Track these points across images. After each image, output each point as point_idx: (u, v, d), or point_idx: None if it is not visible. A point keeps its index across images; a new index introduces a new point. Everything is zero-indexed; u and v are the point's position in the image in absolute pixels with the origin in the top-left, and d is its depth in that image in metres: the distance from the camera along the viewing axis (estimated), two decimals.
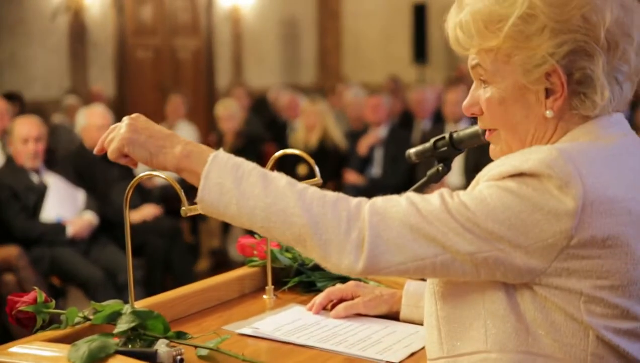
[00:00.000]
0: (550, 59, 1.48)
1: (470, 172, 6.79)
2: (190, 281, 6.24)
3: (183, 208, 1.72)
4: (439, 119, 8.09)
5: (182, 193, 1.73)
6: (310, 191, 1.52)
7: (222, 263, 7.98)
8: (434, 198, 1.47)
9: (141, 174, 1.83)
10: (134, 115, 1.68)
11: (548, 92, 1.52)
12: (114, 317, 1.80)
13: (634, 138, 1.58)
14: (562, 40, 1.47)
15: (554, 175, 1.40)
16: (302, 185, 1.54)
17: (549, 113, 1.52)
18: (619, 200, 1.43)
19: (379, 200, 1.50)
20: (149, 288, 5.94)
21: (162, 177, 1.81)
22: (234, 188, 1.53)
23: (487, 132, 1.66)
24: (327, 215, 1.48)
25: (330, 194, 1.52)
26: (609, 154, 1.49)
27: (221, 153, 1.60)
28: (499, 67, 1.54)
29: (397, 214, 1.46)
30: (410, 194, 1.50)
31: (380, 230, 1.45)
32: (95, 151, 1.75)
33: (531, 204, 1.41)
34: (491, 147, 1.66)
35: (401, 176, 7.22)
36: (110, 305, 1.83)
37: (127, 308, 1.81)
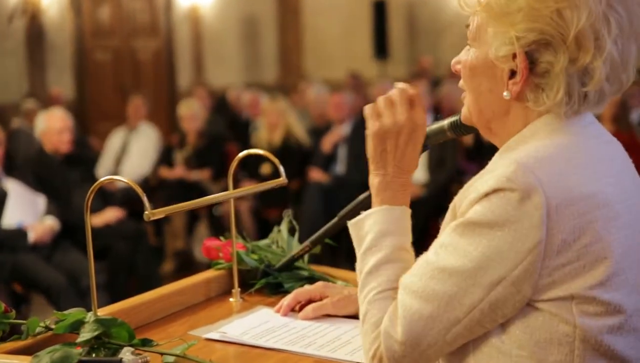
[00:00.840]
0: (515, 42, 1.48)
1: (434, 167, 6.81)
2: (155, 284, 6.23)
3: (146, 212, 1.68)
4: None
5: (145, 197, 1.69)
6: (380, 304, 1.57)
7: (187, 264, 7.92)
8: (421, 276, 1.49)
9: (102, 179, 1.79)
10: (419, 122, 1.71)
11: (512, 75, 1.53)
12: (77, 326, 1.75)
13: (594, 129, 1.57)
14: (532, 28, 1.47)
15: (516, 187, 1.40)
16: (385, 294, 1.58)
17: (505, 94, 1.54)
18: (585, 197, 1.42)
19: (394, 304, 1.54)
20: (113, 292, 5.88)
21: (123, 181, 1.76)
22: (364, 250, 1.66)
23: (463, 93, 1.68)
24: (368, 336, 1.57)
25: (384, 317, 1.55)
26: (569, 153, 1.48)
27: (389, 211, 1.67)
28: (480, 34, 1.56)
29: (399, 312, 1.50)
30: (402, 281, 1.53)
31: (390, 334, 1.51)
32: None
33: (499, 229, 1.41)
34: (462, 109, 1.69)
35: (365, 174, 7.14)
36: (73, 313, 1.79)
37: (90, 316, 1.77)
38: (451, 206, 1.53)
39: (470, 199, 1.45)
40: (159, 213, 1.73)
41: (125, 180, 1.76)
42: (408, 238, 1.66)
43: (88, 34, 12.02)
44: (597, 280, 1.42)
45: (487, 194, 1.42)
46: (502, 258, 1.41)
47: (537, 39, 1.47)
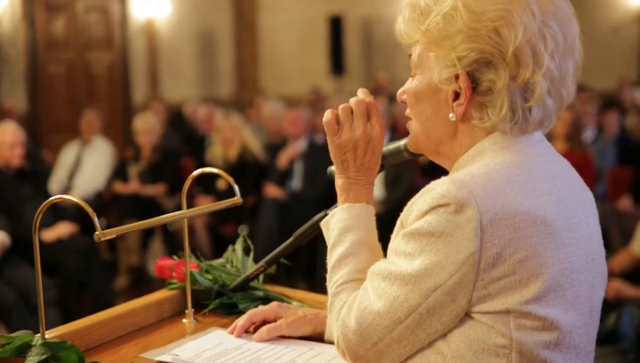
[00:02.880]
0: (457, 64, 1.52)
1: (390, 184, 6.81)
2: (109, 300, 6.13)
3: (97, 232, 1.64)
4: None
5: (95, 217, 1.65)
6: (344, 295, 1.65)
7: (141, 280, 7.84)
8: (375, 276, 1.57)
9: (52, 198, 1.74)
10: (376, 134, 1.77)
11: (457, 96, 1.57)
12: (24, 349, 1.71)
13: (540, 148, 1.60)
14: (471, 48, 1.51)
15: (450, 201, 1.45)
16: (349, 285, 1.66)
17: (452, 116, 1.58)
18: (521, 213, 1.46)
19: (351, 299, 1.61)
20: (64, 308, 5.78)
21: (74, 201, 1.72)
22: (330, 245, 1.75)
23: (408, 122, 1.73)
24: (333, 325, 1.65)
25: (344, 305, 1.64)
26: (510, 170, 1.51)
27: (350, 208, 1.76)
28: (422, 61, 1.61)
29: (355, 304, 1.59)
30: (368, 274, 1.60)
31: (346, 324, 1.59)
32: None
33: (435, 239, 1.47)
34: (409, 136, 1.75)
35: (321, 190, 7.17)
36: (20, 336, 1.74)
37: (37, 339, 1.73)
38: (399, 220, 1.59)
39: (412, 217, 1.52)
40: (110, 233, 1.70)
41: (76, 199, 1.72)
42: (369, 231, 1.74)
43: (41, 46, 11.90)
44: (533, 295, 1.46)
45: (426, 212, 1.48)
46: (439, 267, 1.46)
47: (478, 58, 1.51)
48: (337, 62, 13.96)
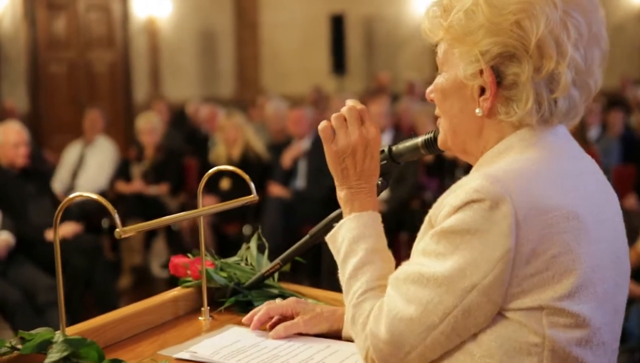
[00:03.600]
0: (481, 58, 1.53)
1: (395, 183, 6.81)
2: (113, 300, 6.14)
3: (117, 230, 1.64)
4: None
5: (116, 214, 1.64)
6: (367, 304, 1.62)
7: (144, 279, 7.84)
8: (404, 280, 1.53)
9: (72, 196, 1.74)
10: (372, 136, 1.79)
11: (482, 91, 1.56)
12: (44, 346, 1.71)
13: (568, 145, 1.60)
14: (494, 42, 1.51)
15: (485, 197, 1.43)
16: (370, 293, 1.64)
17: (478, 111, 1.58)
18: (554, 209, 1.45)
19: (379, 303, 1.58)
20: (69, 307, 5.77)
21: (93, 198, 1.72)
22: (342, 256, 1.73)
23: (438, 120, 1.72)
24: (363, 332, 1.60)
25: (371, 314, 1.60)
26: (541, 166, 1.51)
27: (358, 217, 1.75)
28: (447, 58, 1.62)
29: (383, 311, 1.56)
30: (391, 280, 1.57)
31: (375, 334, 1.56)
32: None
33: (470, 237, 1.45)
34: (439, 135, 1.74)
35: (325, 189, 7.16)
36: (40, 333, 1.74)
37: (58, 336, 1.72)
38: (427, 217, 1.57)
39: (444, 213, 1.49)
40: (130, 230, 1.69)
41: (96, 197, 1.72)
42: (381, 239, 1.73)
43: (43, 46, 11.90)
44: (566, 291, 1.45)
45: (459, 208, 1.46)
46: (474, 266, 1.44)
47: (501, 52, 1.51)
48: (338, 62, 13.97)
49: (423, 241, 1.54)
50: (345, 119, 1.79)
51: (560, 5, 1.51)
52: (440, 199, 1.54)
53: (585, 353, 1.48)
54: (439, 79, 1.64)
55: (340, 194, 1.79)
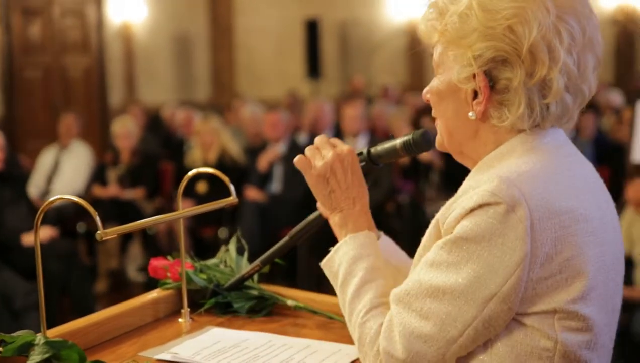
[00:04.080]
0: (474, 62, 1.52)
1: (370, 186, 6.83)
2: (89, 304, 6.11)
3: (98, 232, 1.65)
4: (337, 133, 8.12)
5: (97, 218, 1.66)
6: (372, 322, 1.60)
7: (120, 284, 7.82)
8: (416, 292, 1.51)
9: (53, 198, 1.75)
10: (346, 154, 1.81)
11: (476, 95, 1.56)
12: (26, 349, 1.71)
13: (568, 149, 1.61)
14: (487, 46, 1.51)
15: (501, 201, 1.42)
16: (375, 311, 1.62)
17: (471, 115, 1.58)
18: (565, 211, 1.46)
19: (386, 320, 1.56)
20: (45, 312, 5.73)
21: (74, 200, 1.73)
22: (341, 278, 1.71)
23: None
24: (368, 355, 1.59)
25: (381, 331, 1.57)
26: (548, 169, 1.51)
27: (357, 237, 1.75)
28: (443, 60, 1.61)
29: (396, 328, 1.53)
30: (398, 295, 1.55)
31: (390, 352, 1.53)
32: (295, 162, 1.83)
33: (486, 243, 1.43)
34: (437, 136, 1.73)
35: (301, 192, 7.20)
36: (21, 335, 1.74)
37: (39, 339, 1.73)
38: (433, 222, 1.56)
39: (455, 215, 1.48)
40: (111, 233, 1.71)
41: (76, 199, 1.73)
42: (379, 257, 1.72)
43: (18, 51, 11.83)
44: (579, 294, 1.45)
45: (472, 210, 1.45)
46: (492, 273, 1.43)
47: (494, 57, 1.52)
48: (313, 66, 13.99)
49: (432, 251, 1.52)
50: (317, 148, 1.81)
51: (554, 11, 1.51)
52: (449, 203, 1.52)
53: (591, 356, 1.49)
54: (435, 81, 1.64)
55: (334, 220, 1.79)
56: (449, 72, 1.59)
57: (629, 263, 5.10)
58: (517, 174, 1.47)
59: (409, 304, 1.51)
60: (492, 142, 1.58)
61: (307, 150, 1.82)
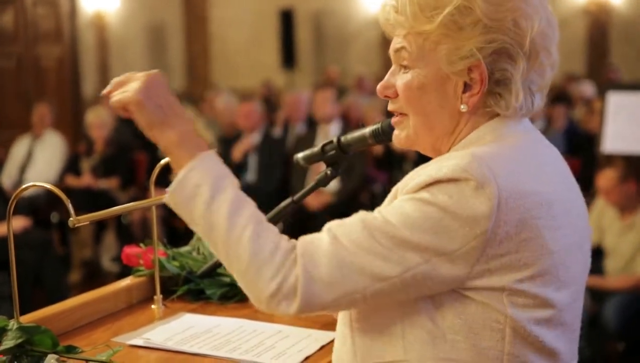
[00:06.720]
0: (477, 54, 1.52)
1: (345, 175, 6.88)
2: (63, 294, 6.10)
3: (71, 219, 1.67)
4: (312, 123, 8.15)
5: (69, 203, 1.68)
6: (267, 233, 1.50)
7: (94, 273, 7.81)
8: (355, 224, 1.49)
9: (25, 186, 1.76)
10: (153, 73, 1.65)
11: (466, 87, 1.56)
12: None
13: (536, 135, 1.64)
14: (492, 39, 1.52)
15: (471, 177, 1.44)
16: (264, 225, 1.52)
17: (463, 107, 1.57)
18: (532, 194, 1.49)
19: (307, 240, 1.50)
20: (19, 303, 5.73)
21: (47, 188, 1.75)
22: (207, 196, 1.52)
23: (395, 117, 1.67)
24: (272, 265, 1.47)
25: (283, 242, 1.50)
26: (517, 152, 1.54)
27: (211, 156, 1.58)
28: (425, 53, 1.57)
29: (323, 252, 1.47)
30: (331, 226, 1.51)
31: (310, 271, 1.46)
32: (103, 91, 1.66)
33: (450, 212, 1.44)
34: (395, 132, 1.68)
35: (276, 182, 7.22)
36: None
37: (12, 324, 1.75)
38: (393, 191, 1.56)
39: (419, 181, 1.47)
40: (84, 219, 1.73)
41: (49, 186, 1.75)
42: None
43: None
44: (529, 274, 1.48)
45: (441, 181, 1.45)
46: (448, 238, 1.44)
47: (497, 49, 1.53)
48: (288, 56, 14.00)
49: (398, 201, 1.50)
50: (121, 82, 1.66)
51: (546, 4, 1.57)
52: (413, 172, 1.52)
53: (544, 332, 1.52)
54: (413, 76, 1.59)
55: (169, 137, 1.58)
56: (434, 65, 1.57)
57: (600, 252, 5.16)
58: (489, 155, 1.49)
59: (350, 234, 1.47)
60: (468, 133, 1.60)
61: (113, 87, 1.65)
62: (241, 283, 1.53)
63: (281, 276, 1.46)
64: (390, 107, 1.67)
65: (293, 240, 1.52)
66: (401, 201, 1.49)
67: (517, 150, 1.55)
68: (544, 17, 1.56)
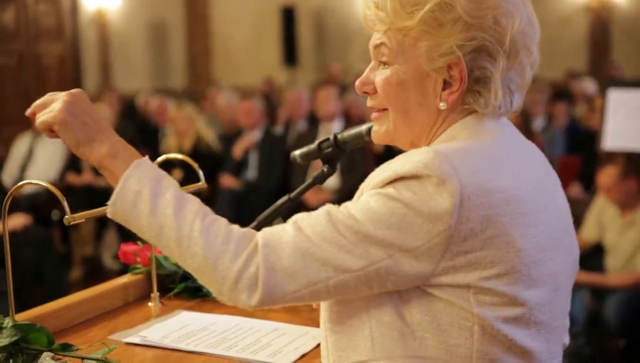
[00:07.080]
0: (457, 51, 1.52)
1: (345, 173, 6.87)
2: (64, 292, 6.10)
3: (66, 216, 1.67)
4: (313, 120, 8.15)
5: (65, 201, 1.67)
6: (217, 224, 1.50)
7: (95, 271, 7.81)
8: (320, 217, 1.49)
9: (21, 183, 1.76)
10: (75, 92, 1.62)
11: (445, 85, 1.56)
12: None
13: (512, 132, 1.63)
14: (472, 36, 1.52)
15: (432, 174, 1.43)
16: (212, 217, 1.51)
17: (442, 105, 1.56)
18: (497, 191, 1.47)
19: (268, 231, 1.49)
20: (19, 300, 5.72)
21: (42, 185, 1.75)
22: (149, 201, 1.52)
23: (374, 113, 1.67)
24: (227, 253, 1.46)
25: (235, 231, 1.50)
26: (487, 149, 1.53)
27: (146, 162, 1.59)
28: (404, 50, 1.57)
29: (287, 242, 1.46)
30: (297, 218, 1.51)
31: (272, 262, 1.45)
32: (27, 112, 1.64)
33: (413, 208, 1.43)
34: (374, 128, 1.69)
35: (276, 179, 7.22)
36: None
37: (7, 322, 1.75)
38: (360, 188, 1.56)
39: (383, 177, 1.47)
40: (79, 217, 1.72)
41: (45, 184, 1.75)
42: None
43: None
44: (495, 273, 1.47)
45: (403, 178, 1.45)
46: (411, 234, 1.43)
47: (476, 47, 1.52)
48: (289, 53, 13.99)
49: (362, 197, 1.50)
50: (43, 103, 1.63)
51: (528, 3, 1.57)
52: (379, 168, 1.52)
53: (513, 330, 1.50)
54: (391, 72, 1.59)
55: (100, 151, 1.57)
56: (414, 61, 1.56)
57: (600, 249, 5.15)
58: (453, 151, 1.48)
59: (315, 226, 1.47)
60: (445, 129, 1.59)
61: (35, 109, 1.62)
62: (201, 279, 1.51)
63: (239, 263, 1.45)
64: (369, 103, 1.68)
65: (251, 230, 1.51)
66: (367, 196, 1.48)
67: (488, 147, 1.54)
68: (525, 15, 1.55)
